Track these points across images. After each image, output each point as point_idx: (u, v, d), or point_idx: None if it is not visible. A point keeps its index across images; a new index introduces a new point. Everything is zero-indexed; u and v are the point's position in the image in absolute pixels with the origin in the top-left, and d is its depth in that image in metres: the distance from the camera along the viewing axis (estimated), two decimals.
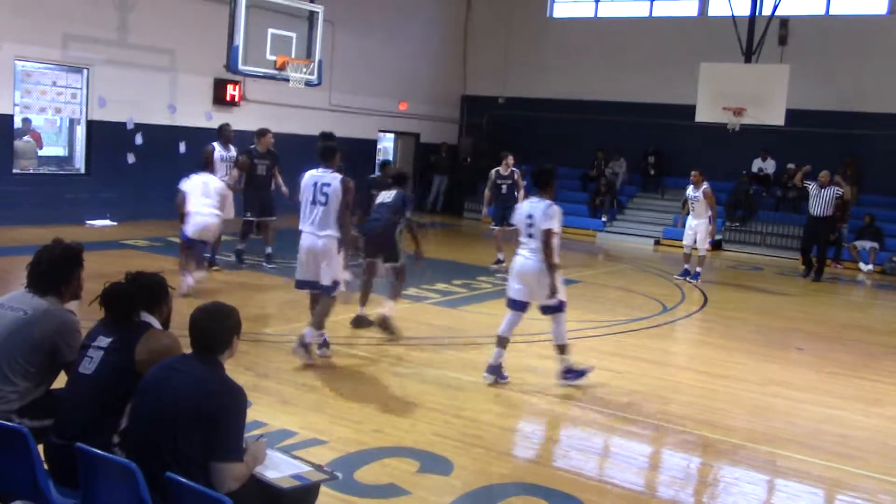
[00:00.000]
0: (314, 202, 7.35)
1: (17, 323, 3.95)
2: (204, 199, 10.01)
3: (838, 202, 15.35)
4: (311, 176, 7.41)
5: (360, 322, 8.77)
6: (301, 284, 7.63)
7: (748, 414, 7.07)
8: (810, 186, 15.15)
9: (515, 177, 13.84)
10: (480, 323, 9.72)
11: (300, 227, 7.46)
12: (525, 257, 7.23)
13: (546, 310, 7.30)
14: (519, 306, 7.38)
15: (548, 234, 7.02)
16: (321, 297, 7.51)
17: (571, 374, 7.37)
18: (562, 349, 7.39)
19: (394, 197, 8.80)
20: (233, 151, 11.94)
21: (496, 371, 7.32)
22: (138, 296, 3.84)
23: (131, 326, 3.75)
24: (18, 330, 3.92)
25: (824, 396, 7.80)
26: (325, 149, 7.51)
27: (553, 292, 7.11)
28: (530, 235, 7.18)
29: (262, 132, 12.22)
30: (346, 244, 7.47)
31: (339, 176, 7.35)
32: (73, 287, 4.14)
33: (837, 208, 15.59)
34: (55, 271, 4.07)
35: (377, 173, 12.72)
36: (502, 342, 7.38)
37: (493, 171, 14.02)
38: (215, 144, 11.76)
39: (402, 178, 9.40)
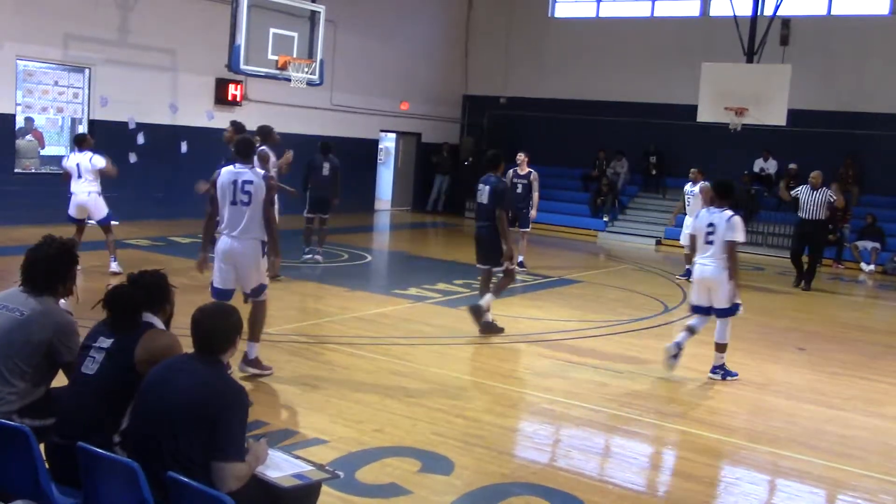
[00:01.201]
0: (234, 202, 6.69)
1: (14, 324, 3.91)
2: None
3: (831, 205, 14.19)
4: (229, 173, 6.77)
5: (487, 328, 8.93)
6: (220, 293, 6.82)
7: (749, 414, 7.07)
8: (799, 190, 14.13)
9: (531, 177, 13.30)
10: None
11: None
12: (704, 264, 7.75)
13: (721, 312, 7.78)
14: (703, 311, 7.93)
15: (730, 245, 7.59)
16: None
17: (722, 372, 7.94)
18: (720, 348, 7.91)
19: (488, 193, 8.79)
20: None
21: (678, 346, 7.87)
22: (141, 297, 3.83)
23: (132, 327, 3.75)
24: (15, 331, 3.90)
25: (825, 396, 7.79)
26: (241, 142, 7.06)
27: (731, 298, 7.68)
28: (710, 243, 7.68)
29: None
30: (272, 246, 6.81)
31: (260, 172, 6.82)
32: (68, 284, 4.12)
33: (830, 212, 14.54)
34: (52, 270, 4.03)
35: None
36: (691, 329, 7.97)
37: (511, 171, 13.25)
38: (266, 148, 11.17)
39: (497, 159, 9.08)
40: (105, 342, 3.73)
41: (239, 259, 6.72)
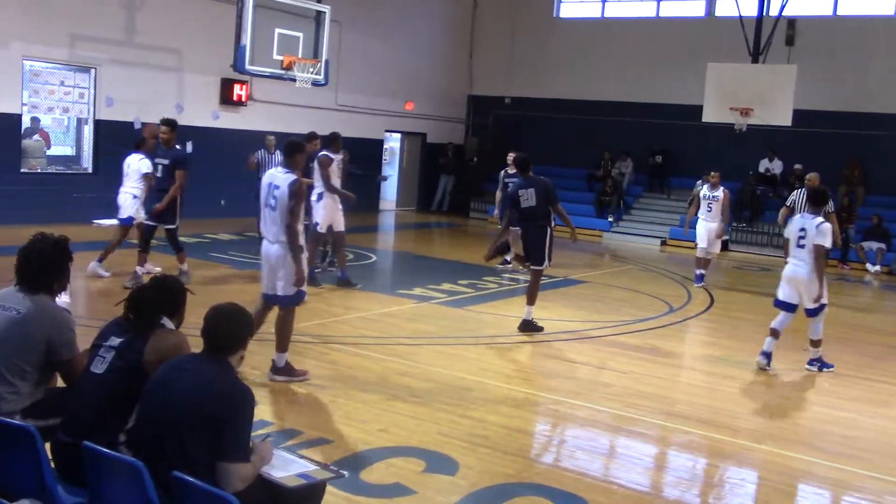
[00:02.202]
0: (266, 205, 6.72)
1: (11, 323, 3.90)
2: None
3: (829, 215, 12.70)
4: (269, 175, 6.82)
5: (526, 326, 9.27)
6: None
7: (754, 414, 7.07)
8: (794, 197, 12.27)
9: None
10: (486, 323, 9.74)
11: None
12: (795, 265, 8.25)
13: (810, 312, 8.30)
14: (788, 308, 8.41)
15: (819, 249, 8.00)
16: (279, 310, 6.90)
17: (819, 364, 8.45)
18: (815, 343, 8.45)
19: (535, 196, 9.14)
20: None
21: (767, 357, 8.33)
22: (162, 301, 3.86)
23: (144, 327, 3.77)
24: (12, 330, 3.89)
25: (830, 397, 7.79)
26: (287, 145, 6.94)
27: (818, 298, 8.17)
28: (801, 247, 8.15)
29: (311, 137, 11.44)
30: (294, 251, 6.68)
31: (292, 178, 6.59)
32: (63, 280, 4.12)
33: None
34: (47, 267, 4.02)
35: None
36: (775, 334, 8.39)
37: (503, 171, 13.55)
38: (328, 153, 10.95)
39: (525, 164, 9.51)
40: (115, 341, 3.74)
41: (271, 262, 6.76)
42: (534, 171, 9.48)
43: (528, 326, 9.26)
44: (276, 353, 6.83)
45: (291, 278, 6.64)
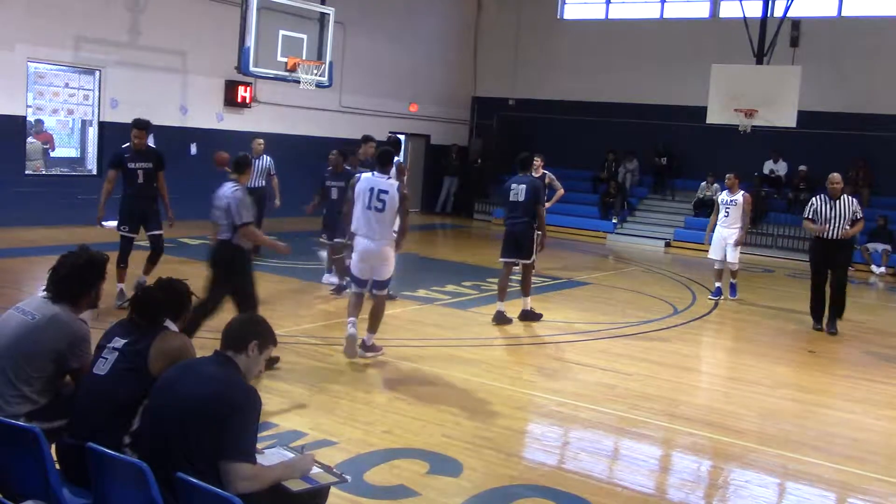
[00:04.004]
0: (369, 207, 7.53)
1: (23, 327, 3.91)
2: None
3: (856, 221, 10.32)
4: (367, 180, 7.62)
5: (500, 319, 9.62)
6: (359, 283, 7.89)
7: (759, 416, 7.05)
8: (813, 202, 10.53)
9: (547, 179, 12.68)
10: (490, 325, 9.72)
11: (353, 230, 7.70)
12: None
13: None
14: None
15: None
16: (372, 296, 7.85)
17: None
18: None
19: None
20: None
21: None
22: (168, 303, 3.88)
23: (148, 329, 3.78)
24: (24, 335, 3.89)
25: (835, 399, 7.77)
26: (382, 153, 7.84)
27: None
28: None
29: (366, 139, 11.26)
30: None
31: (396, 183, 7.58)
32: (91, 297, 4.11)
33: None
34: (74, 279, 4.02)
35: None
36: None
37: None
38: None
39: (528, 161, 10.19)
40: (119, 342, 3.75)
41: (374, 260, 7.62)
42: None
43: (528, 316, 9.80)
44: (367, 332, 7.77)
45: (389, 269, 7.69)
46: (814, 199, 10.60)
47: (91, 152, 16.01)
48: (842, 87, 19.06)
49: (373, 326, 7.78)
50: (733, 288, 12.61)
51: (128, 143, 9.65)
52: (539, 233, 9.84)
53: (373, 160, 8.26)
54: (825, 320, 10.47)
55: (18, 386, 3.87)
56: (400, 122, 22.19)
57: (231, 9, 15.15)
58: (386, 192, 7.45)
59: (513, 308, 9.88)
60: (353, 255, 7.82)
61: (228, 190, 7.04)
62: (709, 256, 12.65)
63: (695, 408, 7.15)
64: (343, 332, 7.81)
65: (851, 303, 10.87)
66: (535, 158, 13.09)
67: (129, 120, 16.03)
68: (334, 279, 10.77)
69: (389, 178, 7.58)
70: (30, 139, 15.45)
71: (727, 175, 12.54)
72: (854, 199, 10.52)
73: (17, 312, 4.01)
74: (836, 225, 10.20)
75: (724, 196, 12.51)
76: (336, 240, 10.39)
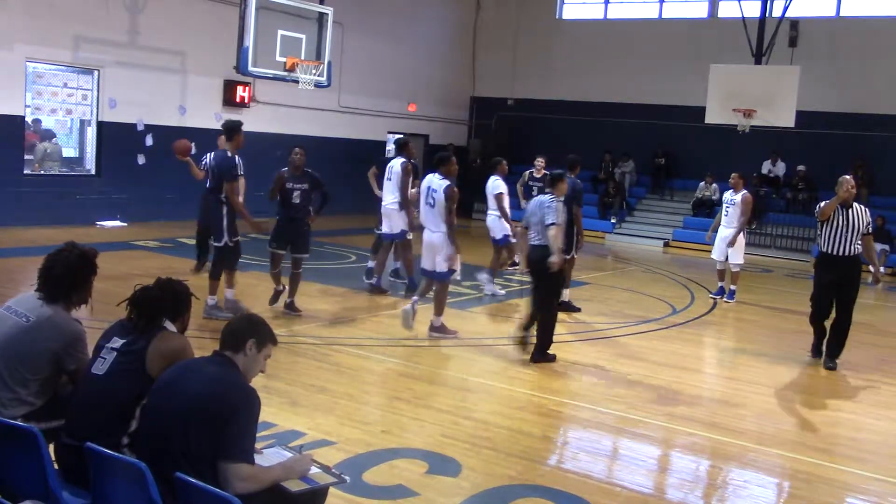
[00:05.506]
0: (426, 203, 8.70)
1: (18, 329, 3.87)
2: None
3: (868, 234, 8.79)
4: (427, 179, 8.76)
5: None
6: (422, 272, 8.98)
7: (758, 416, 7.05)
8: (820, 208, 8.77)
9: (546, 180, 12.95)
10: (489, 325, 9.72)
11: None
12: None
13: None
14: None
15: None
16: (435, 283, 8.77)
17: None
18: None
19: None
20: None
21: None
22: (167, 303, 3.85)
23: (150, 330, 3.76)
24: (18, 337, 3.86)
25: (835, 399, 7.77)
26: (438, 158, 8.90)
27: None
28: None
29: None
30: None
31: (445, 184, 8.53)
32: (84, 293, 4.07)
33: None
34: (69, 277, 3.98)
35: None
36: None
37: (527, 172, 13.12)
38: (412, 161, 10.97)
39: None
40: (117, 342, 3.74)
41: (433, 246, 8.65)
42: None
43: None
44: (433, 315, 8.77)
45: (446, 259, 8.58)
46: (823, 203, 8.81)
47: (89, 152, 15.98)
48: (840, 88, 19.07)
49: (437, 309, 8.79)
50: (731, 293, 12.58)
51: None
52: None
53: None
54: (823, 357, 8.99)
55: (14, 388, 3.84)
56: (398, 122, 22.18)
57: (230, 9, 15.14)
58: (436, 190, 8.59)
59: (511, 309, 9.86)
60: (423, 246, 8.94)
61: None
62: (712, 256, 12.71)
63: (694, 408, 7.15)
64: (341, 333, 7.81)
65: None
66: (538, 159, 13.16)
67: (127, 120, 16.14)
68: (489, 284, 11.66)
69: (443, 178, 8.61)
70: (44, 143, 15.42)
71: (732, 175, 12.45)
72: (867, 210, 8.82)
73: (9, 313, 3.96)
74: (850, 239, 8.60)
75: (727, 195, 12.47)
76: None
